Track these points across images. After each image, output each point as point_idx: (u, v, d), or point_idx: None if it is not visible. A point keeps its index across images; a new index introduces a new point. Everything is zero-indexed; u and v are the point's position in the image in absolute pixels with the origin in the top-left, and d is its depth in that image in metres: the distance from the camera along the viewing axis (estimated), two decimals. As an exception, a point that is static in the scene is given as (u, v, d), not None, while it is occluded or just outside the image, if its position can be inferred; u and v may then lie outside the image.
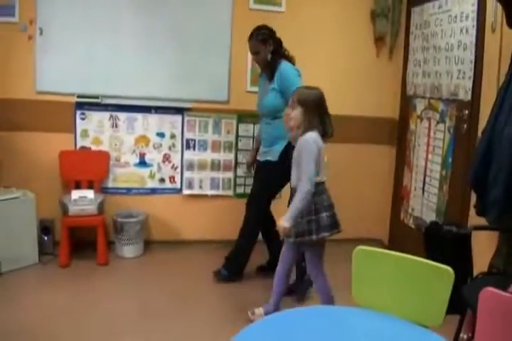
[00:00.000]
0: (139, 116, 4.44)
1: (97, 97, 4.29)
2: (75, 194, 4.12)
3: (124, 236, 4.26)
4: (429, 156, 4.01)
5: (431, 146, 4.00)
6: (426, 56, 4.11)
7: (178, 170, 4.56)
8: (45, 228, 4.29)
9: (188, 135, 4.52)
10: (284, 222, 2.87)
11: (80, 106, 4.33)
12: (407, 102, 4.47)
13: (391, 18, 4.58)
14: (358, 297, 2.17)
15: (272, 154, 3.67)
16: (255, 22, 4.27)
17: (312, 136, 2.89)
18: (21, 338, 2.98)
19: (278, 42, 3.72)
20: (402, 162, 4.52)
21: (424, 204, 4.07)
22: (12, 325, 3.11)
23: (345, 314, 2.09)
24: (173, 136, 4.52)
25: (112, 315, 3.33)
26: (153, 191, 4.56)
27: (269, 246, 3.99)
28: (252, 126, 4.54)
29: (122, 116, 4.42)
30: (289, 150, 3.44)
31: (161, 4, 4.25)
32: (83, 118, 4.38)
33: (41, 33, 4.16)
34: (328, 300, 3.12)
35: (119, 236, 4.28)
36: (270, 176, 3.70)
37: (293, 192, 3.03)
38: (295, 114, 2.93)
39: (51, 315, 3.28)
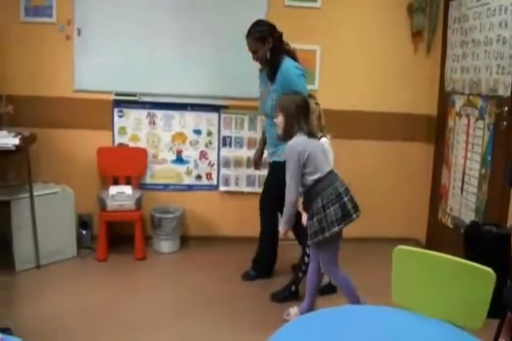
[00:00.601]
0: (176, 113, 4.49)
1: (134, 95, 4.35)
2: (113, 189, 4.19)
3: (161, 232, 4.32)
4: (468, 154, 3.95)
5: (470, 144, 3.93)
6: (465, 51, 4.04)
7: (215, 166, 4.60)
8: (83, 222, 4.39)
9: (224, 132, 4.55)
10: (279, 228, 3.09)
11: (117, 104, 4.41)
12: (445, 99, 4.40)
13: (428, 12, 4.50)
14: (398, 297, 2.16)
15: (279, 154, 3.58)
16: (291, 19, 4.30)
17: (296, 141, 2.95)
18: (57, 329, 3.06)
19: (278, 38, 3.54)
20: (440, 160, 4.45)
21: (463, 204, 4.01)
22: (49, 316, 3.20)
23: (382, 314, 2.06)
24: (209, 133, 4.55)
25: (147, 309, 3.39)
26: (190, 187, 4.61)
27: (301, 242, 3.98)
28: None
29: (159, 113, 4.48)
30: None
31: (196, 3, 4.28)
32: (121, 116, 4.45)
33: (79, 33, 4.25)
34: (354, 299, 3.08)
35: (157, 232, 4.34)
36: (279, 177, 3.56)
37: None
38: (278, 121, 3.03)
39: (87, 307, 3.37)
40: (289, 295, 3.56)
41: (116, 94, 4.35)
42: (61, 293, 3.56)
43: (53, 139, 4.33)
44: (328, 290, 3.66)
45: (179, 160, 4.56)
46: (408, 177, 4.76)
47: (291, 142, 2.95)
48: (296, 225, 3.25)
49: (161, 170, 4.57)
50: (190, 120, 4.51)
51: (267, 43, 3.49)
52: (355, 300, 3.08)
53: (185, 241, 4.55)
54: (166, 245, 4.36)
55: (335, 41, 4.47)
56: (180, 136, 4.53)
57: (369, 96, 4.59)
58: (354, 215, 2.94)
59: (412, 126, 4.67)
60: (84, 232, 4.38)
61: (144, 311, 3.35)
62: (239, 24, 4.25)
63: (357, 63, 4.55)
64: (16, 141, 3.62)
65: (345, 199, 2.92)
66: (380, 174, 4.71)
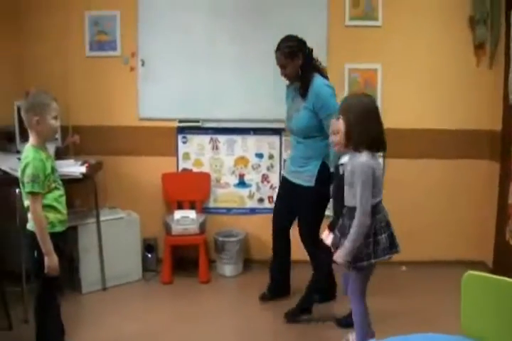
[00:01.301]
0: (238, 138, 4.54)
1: (197, 121, 4.44)
2: (178, 214, 4.27)
3: (224, 255, 4.35)
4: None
5: (537, 161, 3.76)
6: (529, 62, 3.88)
7: (277, 190, 4.54)
8: (148, 246, 4.47)
9: (285, 155, 4.51)
10: (339, 258, 2.72)
11: (181, 130, 4.51)
12: (510, 113, 4.20)
13: (490, 23, 4.33)
14: (467, 327, 2.07)
15: (306, 178, 3.47)
16: (351, 38, 4.32)
17: (369, 159, 2.64)
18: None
19: (309, 54, 3.48)
20: (507, 178, 4.22)
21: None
22: (114, 338, 3.29)
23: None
24: (271, 157, 4.56)
25: (210, 333, 3.41)
26: (253, 211, 4.62)
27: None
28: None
29: (222, 138, 4.54)
30: (325, 171, 3.34)
31: (254, 28, 4.32)
32: (185, 142, 4.54)
33: (143, 64, 4.40)
34: (364, 336, 2.89)
35: (220, 255, 4.37)
36: (310, 203, 3.48)
37: (344, 212, 2.82)
38: (339, 126, 2.70)
39: (151, 330, 3.43)
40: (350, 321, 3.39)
41: (180, 121, 4.44)
42: (126, 315, 3.64)
43: (119, 166, 4.47)
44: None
45: (241, 183, 4.59)
46: (471, 196, 4.56)
47: (363, 159, 2.63)
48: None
49: (224, 194, 4.61)
50: (252, 144, 4.54)
51: (297, 59, 3.44)
52: (364, 337, 2.89)
53: (248, 264, 4.56)
54: (229, 269, 4.38)
55: (396, 58, 4.41)
56: (242, 160, 4.57)
57: (432, 113, 4.48)
58: (399, 248, 2.77)
59: (475, 142, 4.50)
60: (149, 256, 4.47)
61: (207, 335, 3.38)
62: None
63: (419, 80, 4.46)
64: (83, 169, 3.74)
65: (392, 230, 2.78)
66: (441, 193, 4.55)
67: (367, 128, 2.64)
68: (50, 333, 2.87)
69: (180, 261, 4.39)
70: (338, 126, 2.75)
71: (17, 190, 3.17)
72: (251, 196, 4.61)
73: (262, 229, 4.54)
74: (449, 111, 4.49)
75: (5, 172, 3.46)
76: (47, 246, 2.69)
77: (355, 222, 2.65)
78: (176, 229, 4.18)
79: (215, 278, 4.33)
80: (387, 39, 4.39)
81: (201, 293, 4.09)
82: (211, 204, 4.62)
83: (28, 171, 2.63)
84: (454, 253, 4.52)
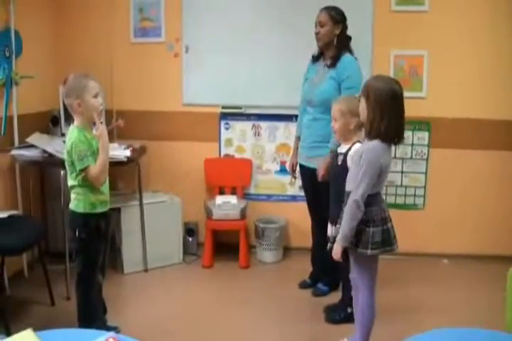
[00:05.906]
0: (281, 124, 4.53)
1: (240, 108, 4.45)
2: (219, 199, 4.31)
3: (264, 241, 4.38)
4: None
5: None
6: None
7: (318, 177, 4.56)
8: (189, 230, 4.54)
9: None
10: (336, 244, 2.58)
11: (224, 116, 4.53)
12: None
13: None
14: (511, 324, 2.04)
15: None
16: (397, 24, 4.24)
17: (380, 149, 2.47)
18: (159, 331, 3.20)
19: (345, 29, 3.47)
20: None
21: None
22: (153, 318, 3.37)
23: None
24: (312, 143, 4.52)
25: (247, 317, 3.44)
26: (293, 198, 4.61)
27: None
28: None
29: (264, 125, 4.54)
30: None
31: (297, 16, 4.27)
32: (227, 128, 4.56)
33: (187, 51, 4.43)
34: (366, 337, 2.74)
35: (260, 241, 4.40)
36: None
37: (344, 198, 2.65)
38: (361, 108, 2.50)
39: (190, 312, 3.51)
40: (344, 317, 3.30)
41: (223, 107, 4.47)
42: (166, 297, 3.73)
43: (162, 151, 4.52)
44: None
45: (283, 170, 4.56)
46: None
47: (374, 145, 2.47)
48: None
49: (265, 181, 4.62)
50: (294, 131, 4.40)
51: (336, 26, 3.44)
52: (365, 333, 2.75)
53: (287, 251, 4.57)
54: (269, 255, 4.41)
55: (443, 45, 4.29)
56: (284, 147, 4.55)
57: (481, 102, 4.34)
58: (395, 246, 2.63)
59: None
60: (190, 239, 4.54)
61: (245, 319, 3.42)
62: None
63: (467, 67, 4.32)
64: (128, 152, 3.80)
65: (389, 225, 2.62)
66: (493, 186, 4.43)
67: (387, 117, 2.42)
68: (91, 310, 2.94)
69: (220, 246, 4.44)
70: (334, 112, 2.86)
71: (62, 172, 3.26)
72: (292, 183, 4.57)
73: (302, 217, 4.50)
74: (501, 102, 4.33)
75: (50, 155, 3.55)
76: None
77: (348, 204, 2.53)
78: (217, 213, 4.22)
79: (255, 263, 4.37)
80: (434, 25, 4.27)
81: (241, 277, 4.14)
82: (252, 191, 4.64)
83: (76, 149, 2.68)
84: (498, 248, 4.41)
